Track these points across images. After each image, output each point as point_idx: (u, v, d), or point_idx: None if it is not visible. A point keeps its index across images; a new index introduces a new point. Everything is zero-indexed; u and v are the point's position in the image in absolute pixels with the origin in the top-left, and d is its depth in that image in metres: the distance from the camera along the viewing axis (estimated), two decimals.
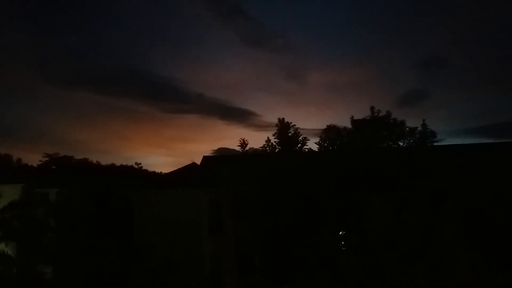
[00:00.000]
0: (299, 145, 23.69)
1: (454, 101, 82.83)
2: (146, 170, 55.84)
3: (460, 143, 37.84)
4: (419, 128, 23.37)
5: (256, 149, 24.66)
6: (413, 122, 23.77)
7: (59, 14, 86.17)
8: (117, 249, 24.64)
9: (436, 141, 23.62)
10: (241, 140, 24.51)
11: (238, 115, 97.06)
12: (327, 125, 24.02)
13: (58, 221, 26.19)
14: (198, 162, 35.09)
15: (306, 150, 23.83)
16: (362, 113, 24.01)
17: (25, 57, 77.08)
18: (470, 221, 19.49)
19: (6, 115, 77.39)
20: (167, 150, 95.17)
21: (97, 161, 54.25)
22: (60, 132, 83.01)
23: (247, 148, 24.58)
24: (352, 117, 24.11)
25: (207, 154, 38.15)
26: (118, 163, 55.94)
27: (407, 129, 23.48)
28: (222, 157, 37.12)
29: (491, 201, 21.77)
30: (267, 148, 23.85)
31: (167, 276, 23.60)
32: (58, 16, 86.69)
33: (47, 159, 47.03)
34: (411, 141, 23.39)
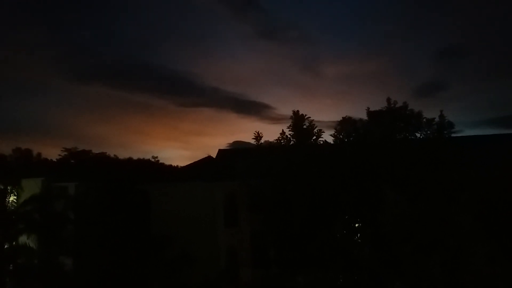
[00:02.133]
0: (314, 137, 23.57)
1: (472, 92, 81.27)
2: (162, 164, 56.31)
3: (478, 134, 37.11)
4: (437, 119, 23.03)
5: (271, 142, 24.64)
6: (430, 113, 23.33)
7: (74, 9, 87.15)
8: (134, 241, 25.09)
9: (453, 132, 23.25)
10: (256, 133, 24.54)
11: (253, 108, 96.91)
12: (342, 117, 23.81)
13: (77, 214, 26.77)
14: (214, 155, 35.29)
15: (321, 142, 23.72)
16: (378, 105, 23.71)
17: (41, 52, 78.27)
18: (487, 213, 19.24)
19: (25, 110, 78.86)
20: (183, 143, 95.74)
21: (114, 155, 54.89)
22: (78, 127, 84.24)
23: (262, 141, 24.58)
24: (368, 108, 23.89)
25: (223, 147, 38.31)
26: (135, 157, 56.52)
27: (424, 120, 23.16)
28: (237, 150, 37.19)
29: (509, 193, 21.42)
30: (282, 141, 23.80)
31: (183, 268, 23.94)
32: (73, 11, 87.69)
33: (65, 153, 47.74)
34: (428, 132, 23.07)
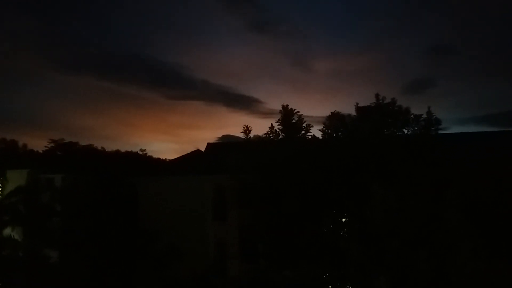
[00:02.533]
0: (303, 132, 23.60)
1: (462, 89, 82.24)
2: (151, 157, 56.12)
3: (467, 131, 37.51)
4: (424, 116, 23.19)
5: (259, 136, 24.59)
6: (419, 110, 23.49)
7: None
8: (121, 234, 24.91)
9: (441, 129, 23.46)
10: (245, 127, 24.46)
11: (243, 102, 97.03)
12: (331, 112, 23.86)
13: (63, 206, 26.50)
14: (203, 149, 35.17)
15: (310, 137, 23.75)
16: (368, 101, 23.77)
17: (30, 42, 77.30)
18: (473, 209, 19.47)
19: (11, 100, 77.74)
20: (172, 136, 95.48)
21: (102, 147, 54.57)
22: (65, 118, 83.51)
23: (250, 135, 24.53)
24: (357, 104, 23.95)
25: (212, 141, 38.14)
26: (123, 150, 56.30)
27: (412, 116, 23.31)
28: (226, 144, 37.11)
29: (495, 190, 21.72)
30: (271, 135, 23.79)
31: (171, 262, 23.86)
32: (63, 2, 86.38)
33: (52, 145, 47.32)
34: (416, 128, 23.23)
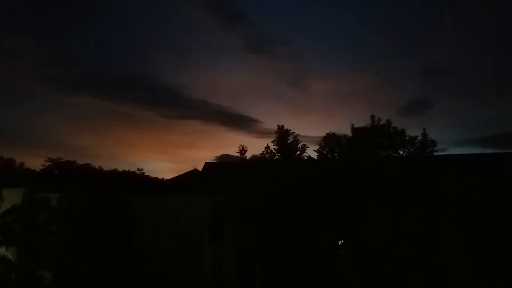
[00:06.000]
0: (298, 152, 23.75)
1: (458, 111, 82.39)
2: (148, 176, 55.92)
3: (463, 153, 37.59)
4: (419, 137, 23.36)
5: (256, 156, 24.72)
6: (416, 131, 23.82)
7: (61, 18, 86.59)
8: (117, 254, 24.70)
9: (436, 151, 23.63)
10: (240, 147, 24.63)
11: (240, 122, 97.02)
12: (326, 133, 24.09)
13: (59, 226, 26.28)
14: (200, 168, 35.18)
15: (305, 157, 23.88)
16: (365, 122, 24.09)
17: (28, 61, 77.48)
18: (469, 231, 19.45)
19: (9, 119, 77.74)
20: (169, 156, 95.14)
21: (99, 166, 54.37)
22: (63, 137, 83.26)
23: (247, 154, 24.68)
24: (353, 125, 24.18)
25: (209, 160, 38.19)
26: (120, 169, 56.00)
27: (407, 137, 23.49)
28: (223, 163, 37.13)
29: (491, 212, 21.70)
30: (266, 155, 23.92)
31: (166, 283, 23.60)
32: (60, 21, 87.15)
33: (49, 163, 47.16)
34: (411, 150, 23.38)
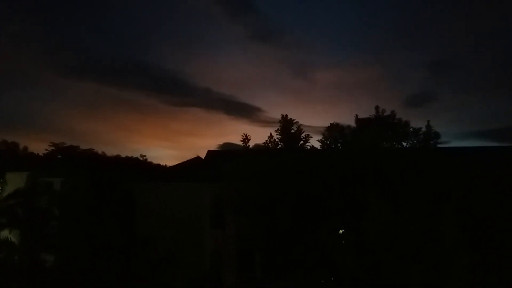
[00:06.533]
0: (302, 142, 23.67)
1: (463, 104, 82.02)
2: (150, 163, 56.05)
3: (467, 145, 37.46)
4: (423, 129, 23.24)
5: (258, 145, 24.64)
6: (420, 123, 23.69)
7: (67, 4, 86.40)
8: (118, 240, 24.82)
9: (440, 143, 23.51)
10: (244, 135, 24.55)
11: (244, 111, 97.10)
12: (330, 123, 23.98)
13: (61, 210, 26.40)
14: (203, 156, 35.18)
15: (309, 147, 23.80)
16: (368, 113, 23.96)
17: (33, 46, 77.56)
18: (470, 223, 19.44)
19: (13, 103, 78.03)
20: (172, 143, 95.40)
21: (102, 152, 54.59)
22: (67, 122, 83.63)
23: (250, 143, 24.61)
24: (357, 115, 24.06)
25: (212, 148, 38.16)
26: (123, 155, 56.20)
27: (411, 129, 23.37)
28: (226, 152, 37.08)
29: (493, 205, 21.67)
30: (269, 144, 23.85)
31: (167, 269, 23.73)
32: (66, 7, 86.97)
33: (53, 148, 47.31)
34: (415, 141, 23.27)
